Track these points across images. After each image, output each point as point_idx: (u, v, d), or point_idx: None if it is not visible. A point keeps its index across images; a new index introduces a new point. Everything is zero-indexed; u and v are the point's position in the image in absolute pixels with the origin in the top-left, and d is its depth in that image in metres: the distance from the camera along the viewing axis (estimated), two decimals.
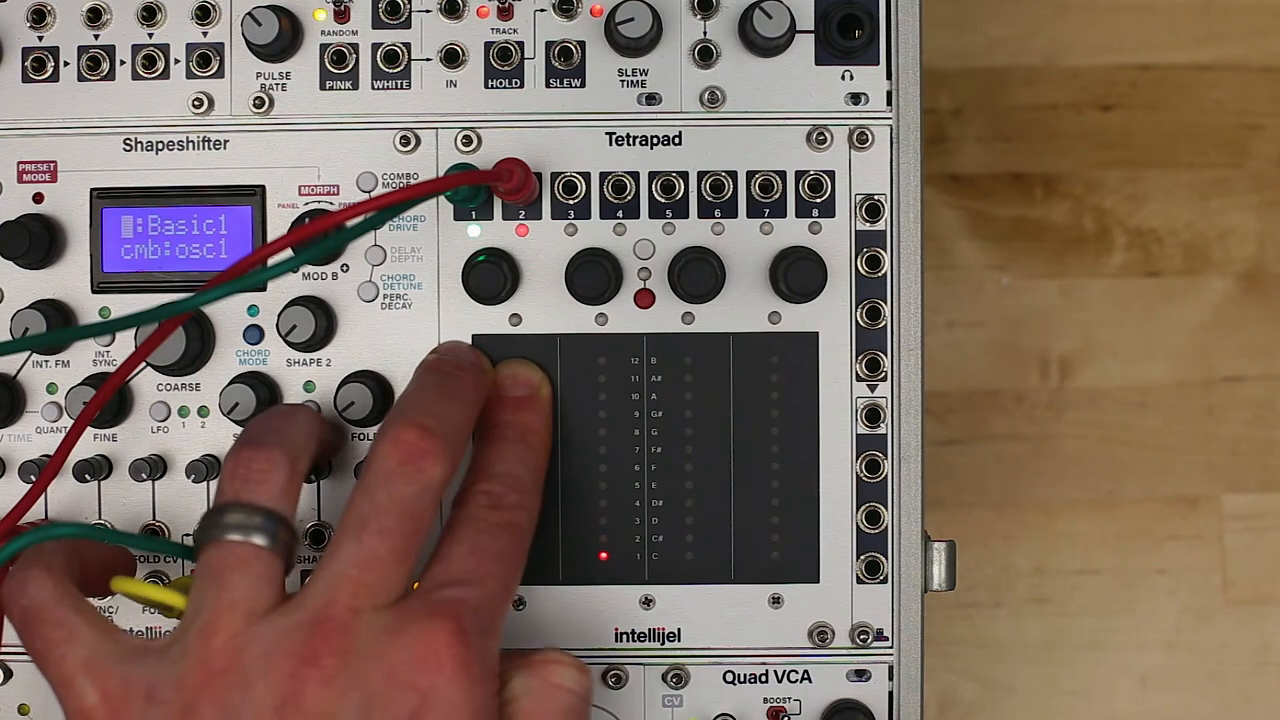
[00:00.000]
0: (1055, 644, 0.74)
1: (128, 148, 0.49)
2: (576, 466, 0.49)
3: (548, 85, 0.49)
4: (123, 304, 0.49)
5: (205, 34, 0.49)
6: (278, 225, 0.49)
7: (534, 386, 0.48)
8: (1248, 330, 0.75)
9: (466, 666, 0.39)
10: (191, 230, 0.49)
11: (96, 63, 0.49)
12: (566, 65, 0.49)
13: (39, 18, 0.49)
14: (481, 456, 0.46)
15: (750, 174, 0.49)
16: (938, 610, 0.71)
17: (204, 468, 0.48)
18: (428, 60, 0.49)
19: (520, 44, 0.49)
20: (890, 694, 0.49)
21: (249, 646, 0.39)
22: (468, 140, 0.49)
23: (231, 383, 0.48)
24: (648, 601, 0.49)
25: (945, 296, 0.74)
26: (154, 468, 0.48)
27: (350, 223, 0.42)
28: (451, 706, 0.39)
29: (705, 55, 0.49)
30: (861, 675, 0.49)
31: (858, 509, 0.49)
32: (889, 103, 0.49)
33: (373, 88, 0.49)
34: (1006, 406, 0.74)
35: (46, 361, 0.49)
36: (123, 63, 0.49)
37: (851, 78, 0.49)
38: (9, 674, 0.49)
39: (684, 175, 0.49)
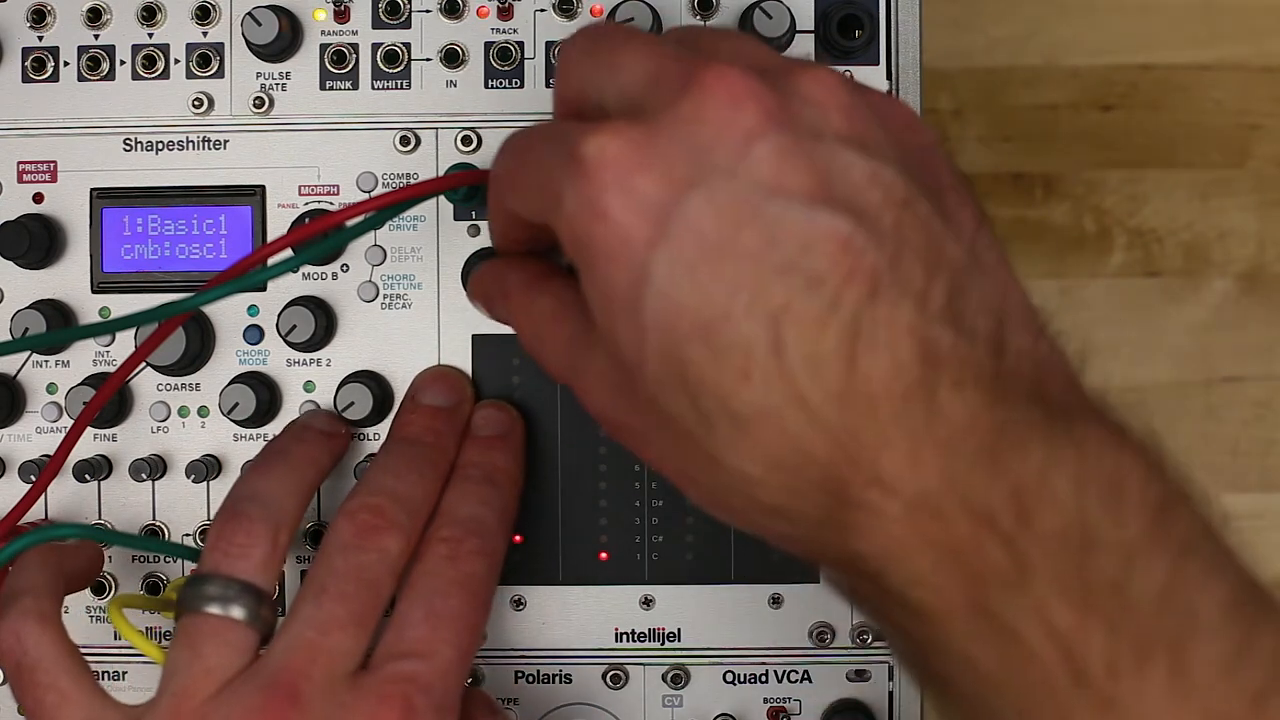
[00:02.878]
0: None
1: (128, 148, 0.49)
2: (576, 466, 0.49)
3: (548, 85, 0.49)
4: (123, 304, 0.49)
5: (205, 34, 0.49)
6: (278, 225, 0.49)
7: (506, 426, 0.48)
8: (1248, 330, 0.74)
9: None
10: (191, 230, 0.49)
11: (96, 63, 0.49)
12: None
13: (39, 18, 0.49)
14: (446, 499, 0.46)
15: None
16: None
17: (204, 468, 0.48)
18: (428, 60, 0.49)
19: (520, 44, 0.49)
20: (890, 694, 0.49)
21: (213, 713, 0.40)
22: (468, 140, 0.49)
23: (231, 383, 0.48)
24: (648, 601, 0.49)
25: None
26: (154, 468, 0.48)
27: (350, 223, 0.42)
28: None
29: None
30: (862, 675, 0.49)
31: None
32: None
33: (373, 88, 0.49)
34: None
35: (46, 361, 0.49)
36: (123, 63, 0.49)
37: (852, 77, 0.49)
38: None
39: None
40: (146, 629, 0.49)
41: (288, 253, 0.43)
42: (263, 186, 0.49)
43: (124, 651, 0.49)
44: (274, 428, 0.49)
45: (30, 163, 0.49)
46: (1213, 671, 0.32)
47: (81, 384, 0.48)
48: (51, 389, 0.49)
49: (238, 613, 0.41)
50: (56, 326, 0.48)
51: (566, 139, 0.35)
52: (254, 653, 0.41)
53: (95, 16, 0.49)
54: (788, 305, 0.33)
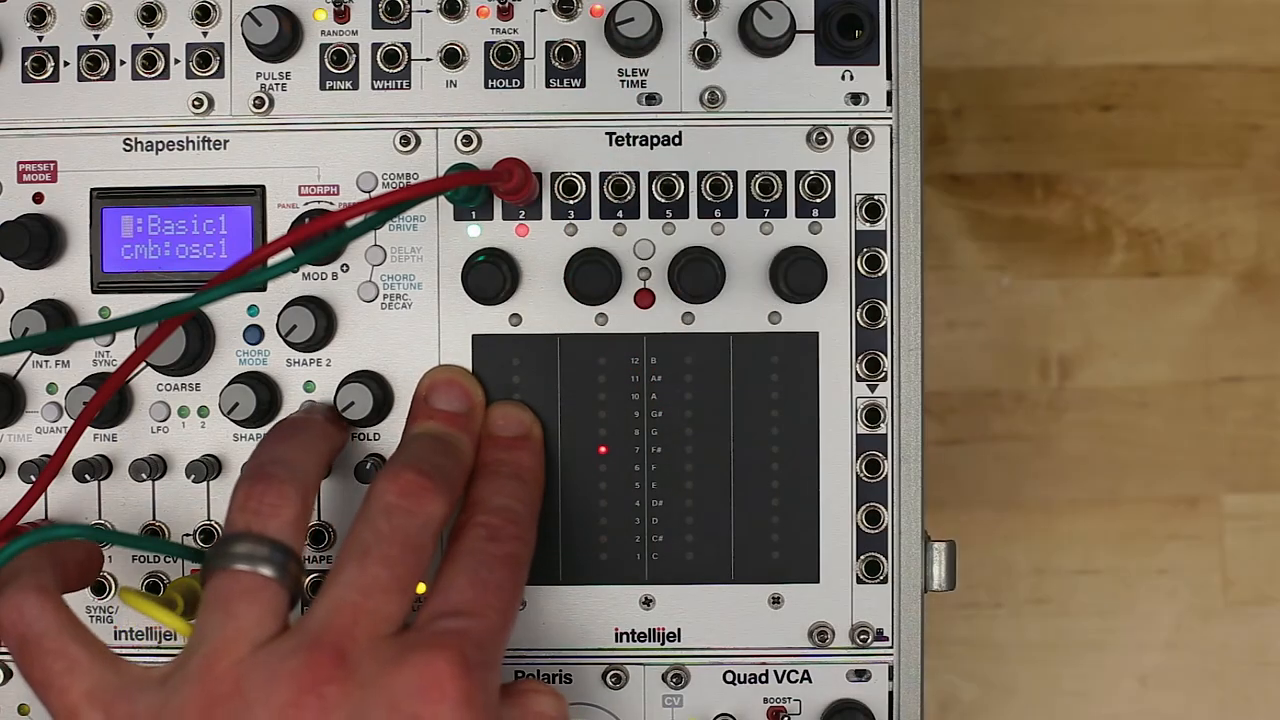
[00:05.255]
0: (1055, 644, 0.74)
1: (128, 148, 0.49)
2: (577, 467, 0.49)
3: (548, 85, 0.49)
4: (123, 304, 0.49)
5: (205, 34, 0.49)
6: (278, 225, 0.49)
7: (527, 426, 0.48)
8: (1248, 330, 0.74)
9: (469, 697, 0.39)
10: (191, 230, 0.49)
11: (96, 63, 0.49)
12: (566, 65, 0.49)
13: (39, 18, 0.49)
14: (477, 491, 0.46)
15: (750, 174, 0.49)
16: (938, 610, 0.71)
17: (204, 468, 0.48)
18: (428, 60, 0.49)
19: (520, 44, 0.49)
20: (890, 694, 0.49)
21: (251, 673, 0.39)
22: (468, 140, 0.49)
23: (231, 383, 0.48)
24: (648, 601, 0.49)
25: (945, 296, 0.74)
26: (154, 468, 0.48)
27: (350, 223, 0.42)
28: None
29: (705, 55, 0.49)
30: (861, 675, 0.49)
31: (858, 509, 0.49)
32: (889, 103, 0.49)
33: (373, 88, 0.49)
34: (1006, 406, 0.74)
35: (46, 361, 0.49)
36: (123, 63, 0.49)
37: (851, 78, 0.49)
38: (9, 674, 0.49)
39: (684, 175, 0.49)
40: (147, 629, 0.49)
41: (288, 253, 0.43)
42: (263, 186, 0.49)
43: (124, 650, 0.49)
44: None
45: (30, 163, 0.49)
46: None
47: (81, 384, 0.48)
48: (51, 389, 0.49)
49: (268, 570, 0.41)
50: (56, 326, 0.48)
51: None
52: (285, 613, 0.41)
53: (95, 16, 0.49)
54: None
